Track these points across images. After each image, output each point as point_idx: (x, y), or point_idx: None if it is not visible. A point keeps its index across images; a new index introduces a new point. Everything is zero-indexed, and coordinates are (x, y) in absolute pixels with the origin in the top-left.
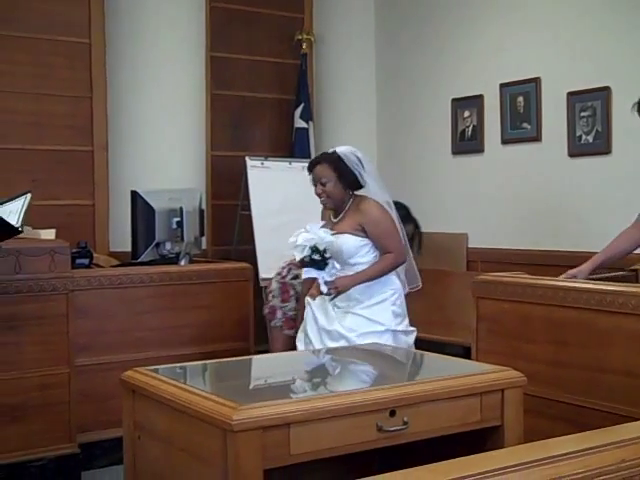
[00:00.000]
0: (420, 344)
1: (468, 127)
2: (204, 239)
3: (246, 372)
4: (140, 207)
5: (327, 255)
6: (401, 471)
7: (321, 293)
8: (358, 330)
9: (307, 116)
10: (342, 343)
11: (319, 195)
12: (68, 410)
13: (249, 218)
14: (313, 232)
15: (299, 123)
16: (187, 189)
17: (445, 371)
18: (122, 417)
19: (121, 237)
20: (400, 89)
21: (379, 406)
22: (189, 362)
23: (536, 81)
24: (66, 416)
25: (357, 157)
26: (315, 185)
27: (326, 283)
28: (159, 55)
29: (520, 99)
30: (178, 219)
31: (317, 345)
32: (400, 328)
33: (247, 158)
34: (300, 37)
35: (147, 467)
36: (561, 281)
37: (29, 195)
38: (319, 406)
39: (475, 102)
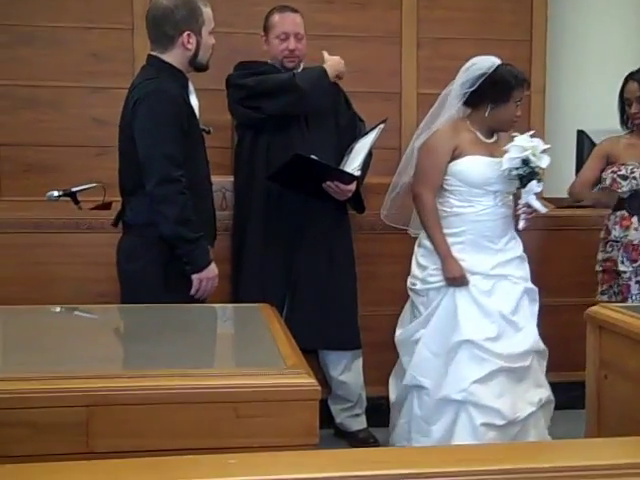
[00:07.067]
0: None
1: None
2: None
3: None
4: (587, 147)
5: (538, 174)
6: None
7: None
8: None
9: None
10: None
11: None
12: None
13: None
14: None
15: None
16: None
17: None
18: (586, 355)
19: (561, 179)
20: None
21: None
22: None
23: None
24: None
25: None
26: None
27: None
28: None
29: None
30: None
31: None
32: None
33: None
34: None
35: (614, 408)
36: None
37: (382, 126)
38: None
39: None
